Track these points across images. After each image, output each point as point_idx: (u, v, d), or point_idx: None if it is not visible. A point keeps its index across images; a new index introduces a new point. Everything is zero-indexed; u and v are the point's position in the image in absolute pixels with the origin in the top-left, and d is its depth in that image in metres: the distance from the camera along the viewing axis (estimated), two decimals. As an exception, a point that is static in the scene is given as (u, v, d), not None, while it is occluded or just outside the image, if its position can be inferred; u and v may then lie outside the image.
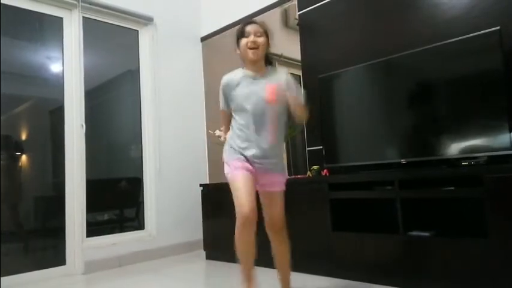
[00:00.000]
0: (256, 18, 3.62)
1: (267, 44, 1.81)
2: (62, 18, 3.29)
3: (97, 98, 3.54)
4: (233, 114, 1.85)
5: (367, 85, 2.75)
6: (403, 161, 2.44)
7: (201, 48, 4.22)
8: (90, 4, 3.36)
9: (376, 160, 2.57)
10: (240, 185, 1.70)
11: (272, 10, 3.53)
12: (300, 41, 3.29)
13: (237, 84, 1.80)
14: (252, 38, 1.75)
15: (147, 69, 3.76)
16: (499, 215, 1.92)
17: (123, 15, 3.60)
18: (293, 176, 3.15)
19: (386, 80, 2.63)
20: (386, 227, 2.39)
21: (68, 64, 3.27)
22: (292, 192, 2.77)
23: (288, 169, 3.42)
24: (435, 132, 2.35)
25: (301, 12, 3.29)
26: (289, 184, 2.86)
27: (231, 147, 1.82)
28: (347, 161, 2.75)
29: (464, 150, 2.22)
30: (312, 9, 3.22)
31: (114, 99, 3.81)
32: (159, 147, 3.69)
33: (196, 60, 4.19)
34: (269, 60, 1.89)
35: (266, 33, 1.81)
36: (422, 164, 2.39)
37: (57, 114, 3.23)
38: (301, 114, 1.75)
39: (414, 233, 2.25)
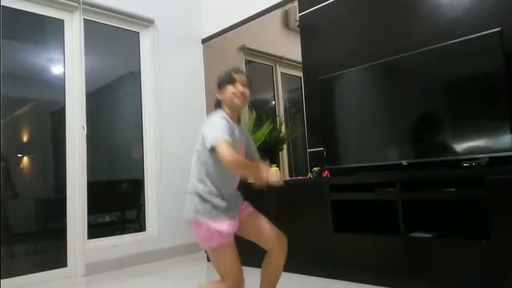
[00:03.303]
0: (257, 20, 3.65)
1: None
2: (63, 20, 3.29)
3: (98, 99, 3.54)
4: (211, 160, 1.67)
5: (368, 86, 2.75)
6: (404, 163, 2.44)
7: (201, 50, 4.23)
8: (91, 6, 3.37)
9: (377, 161, 2.57)
10: (231, 254, 1.66)
11: (273, 12, 3.53)
12: (301, 43, 3.29)
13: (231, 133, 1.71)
14: (240, 88, 1.74)
15: (148, 71, 3.77)
16: (500, 216, 1.92)
17: (124, 17, 3.61)
18: (294, 178, 3.15)
19: (387, 81, 2.63)
20: (387, 229, 2.38)
21: (69, 66, 3.28)
22: (294, 194, 2.78)
23: (289, 171, 3.43)
24: (436, 133, 2.35)
25: (301, 13, 3.29)
26: (290, 186, 2.88)
27: (212, 207, 1.63)
28: (348, 162, 2.75)
29: (465, 152, 2.22)
30: (312, 10, 3.22)
31: (115, 101, 3.82)
32: (160, 149, 3.70)
33: (197, 62, 4.20)
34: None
35: (249, 86, 1.81)
36: (424, 165, 2.38)
37: (58, 116, 3.23)
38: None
39: (415, 234, 2.25)
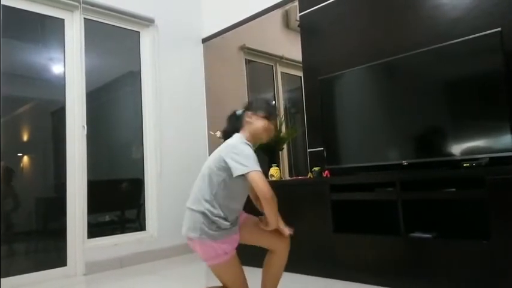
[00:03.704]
0: (258, 20, 3.65)
1: None
2: (63, 19, 3.29)
3: (98, 99, 3.54)
4: (224, 184, 1.65)
5: (368, 86, 2.75)
6: (404, 163, 2.44)
7: (202, 49, 4.23)
8: (92, 6, 3.37)
9: (377, 161, 2.57)
10: (237, 265, 1.69)
11: (273, 11, 3.53)
12: (301, 43, 3.29)
13: None
14: (272, 128, 1.79)
15: (148, 70, 3.77)
16: (500, 216, 1.92)
17: (125, 16, 3.61)
18: (294, 178, 3.15)
19: (387, 81, 2.63)
20: (387, 229, 2.38)
21: (69, 65, 3.28)
22: (294, 194, 2.78)
23: (289, 170, 3.43)
24: (436, 133, 2.35)
25: (302, 13, 3.29)
26: (290, 185, 2.88)
27: (218, 228, 1.62)
28: (348, 162, 2.75)
29: (465, 152, 2.22)
30: (313, 10, 3.22)
31: (115, 101, 3.82)
32: (160, 149, 3.70)
33: (198, 62, 4.20)
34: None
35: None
36: (424, 165, 2.38)
37: (58, 115, 3.23)
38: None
39: (416, 234, 2.25)
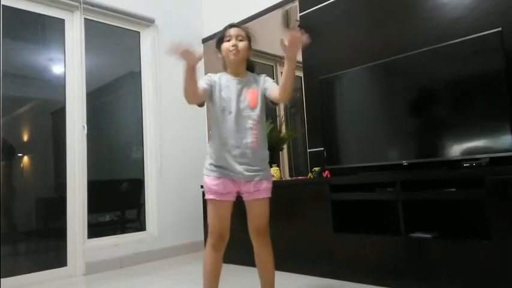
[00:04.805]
0: (258, 20, 3.65)
1: (249, 48, 1.80)
2: (63, 20, 3.30)
3: (99, 99, 3.54)
4: (213, 121, 1.77)
5: (368, 86, 2.75)
6: (404, 163, 2.43)
7: (202, 49, 4.22)
8: (92, 6, 3.37)
9: (377, 161, 2.57)
10: (214, 211, 1.73)
11: (273, 11, 3.53)
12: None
13: (221, 86, 1.77)
14: (233, 41, 1.74)
15: (148, 70, 3.77)
16: (501, 216, 1.92)
17: (125, 16, 3.61)
18: (294, 178, 3.15)
19: (387, 81, 2.63)
20: (388, 229, 2.38)
21: (69, 66, 3.28)
22: (294, 194, 2.78)
23: (289, 171, 3.43)
24: (437, 133, 2.35)
25: (302, 13, 3.29)
26: (290, 186, 2.88)
27: (210, 164, 1.75)
28: (348, 162, 2.75)
29: (465, 152, 2.22)
30: (313, 10, 3.22)
31: (115, 101, 3.82)
32: (160, 149, 3.70)
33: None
34: (250, 67, 1.88)
35: (248, 38, 1.80)
36: (424, 165, 2.38)
37: (59, 115, 3.23)
38: (291, 85, 1.69)
39: (416, 234, 2.25)
